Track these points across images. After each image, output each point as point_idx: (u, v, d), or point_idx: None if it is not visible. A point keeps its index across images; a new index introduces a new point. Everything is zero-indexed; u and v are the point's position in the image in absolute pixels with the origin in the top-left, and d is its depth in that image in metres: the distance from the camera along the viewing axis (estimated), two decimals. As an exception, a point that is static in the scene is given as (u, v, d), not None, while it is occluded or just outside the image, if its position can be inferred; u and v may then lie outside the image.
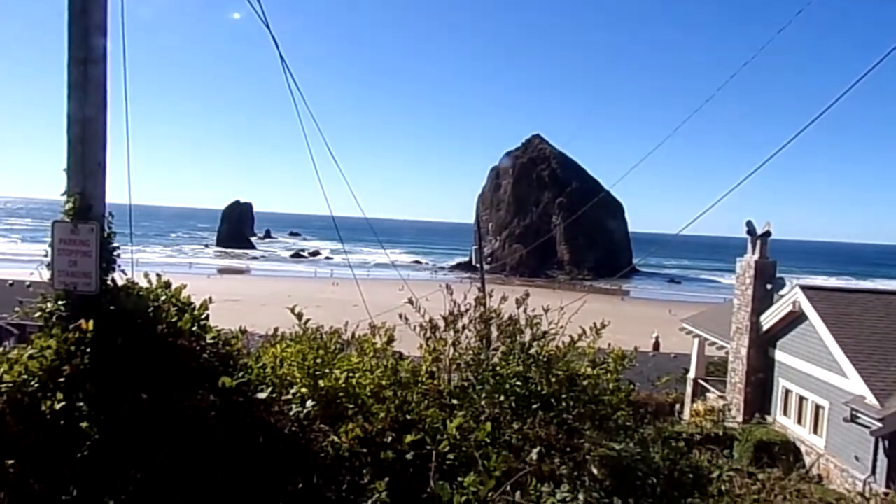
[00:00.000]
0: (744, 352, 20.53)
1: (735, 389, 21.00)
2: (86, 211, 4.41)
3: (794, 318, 18.77)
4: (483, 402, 5.13)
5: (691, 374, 25.57)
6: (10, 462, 3.51)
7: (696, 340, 25.42)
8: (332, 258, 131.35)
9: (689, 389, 25.53)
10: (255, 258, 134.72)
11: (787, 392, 19.21)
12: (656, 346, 43.36)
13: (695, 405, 24.28)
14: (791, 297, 18.69)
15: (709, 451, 5.90)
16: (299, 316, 5.42)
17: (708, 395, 24.18)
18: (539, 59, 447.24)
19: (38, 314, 4.35)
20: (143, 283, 4.66)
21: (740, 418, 19.91)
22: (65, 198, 4.43)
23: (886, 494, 13.80)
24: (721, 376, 23.98)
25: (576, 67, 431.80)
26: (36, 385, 3.77)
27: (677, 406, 25.65)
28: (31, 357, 3.87)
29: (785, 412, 19.27)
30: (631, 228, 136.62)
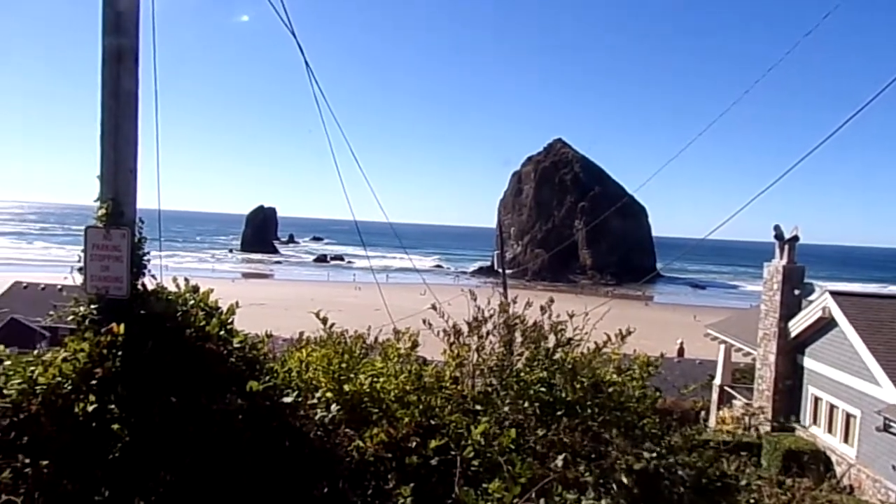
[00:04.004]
0: (771, 358, 20.16)
1: (762, 397, 20.62)
2: (117, 217, 4.50)
3: (824, 325, 18.38)
4: (507, 408, 5.12)
5: (717, 381, 25.17)
6: (45, 463, 3.58)
7: (722, 346, 25.03)
8: (353, 262, 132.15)
9: (714, 396, 25.14)
10: (278, 262, 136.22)
11: (817, 400, 18.80)
12: (681, 352, 42.75)
13: (721, 412, 23.89)
14: (820, 302, 18.32)
15: (736, 459, 5.79)
16: (324, 321, 5.46)
17: (734, 402, 23.77)
18: (563, 62, 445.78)
19: (71, 318, 4.44)
20: (172, 288, 4.74)
21: (768, 426, 19.54)
22: (97, 204, 4.52)
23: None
24: (748, 383, 23.57)
25: (599, 71, 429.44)
26: (69, 387, 3.84)
27: (702, 413, 25.26)
28: (64, 360, 3.95)
29: (815, 420, 18.86)
30: (654, 233, 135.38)
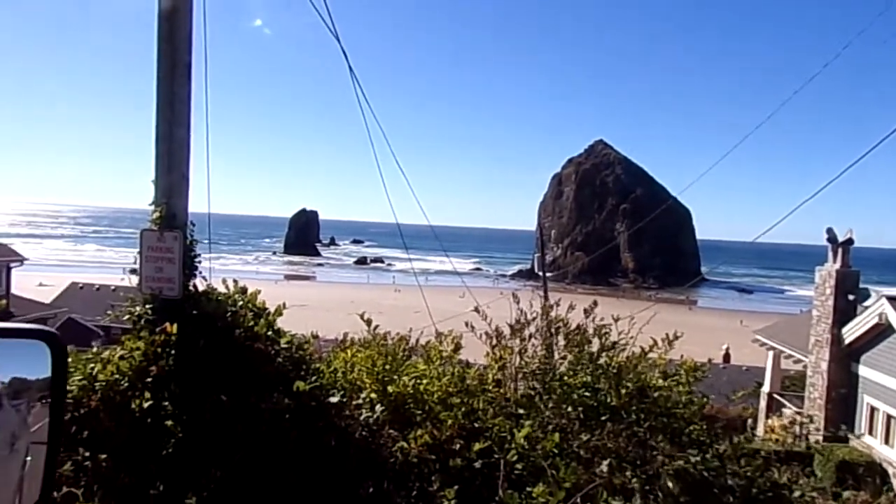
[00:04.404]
0: (824, 366, 19.44)
1: (814, 405, 19.90)
2: (171, 220, 4.66)
3: (881, 331, 17.64)
4: (550, 412, 5.08)
5: (765, 388, 24.41)
6: (103, 456, 3.73)
7: (771, 353, 24.26)
8: (393, 265, 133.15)
9: (762, 404, 24.38)
10: (319, 264, 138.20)
11: (873, 410, 18.05)
12: (727, 357, 41.66)
13: (769, 420, 23.16)
14: (877, 308, 17.59)
15: (788, 469, 5.61)
16: (368, 322, 5.52)
17: (784, 410, 23.01)
18: (605, 62, 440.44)
19: (127, 317, 4.62)
20: (221, 289, 4.88)
21: (819, 436, 18.85)
22: (152, 208, 4.69)
23: None
24: (798, 391, 22.80)
25: (643, 71, 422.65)
26: (126, 384, 4.00)
27: (749, 421, 24.53)
28: (121, 357, 4.11)
29: (870, 431, 18.10)
30: (699, 236, 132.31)
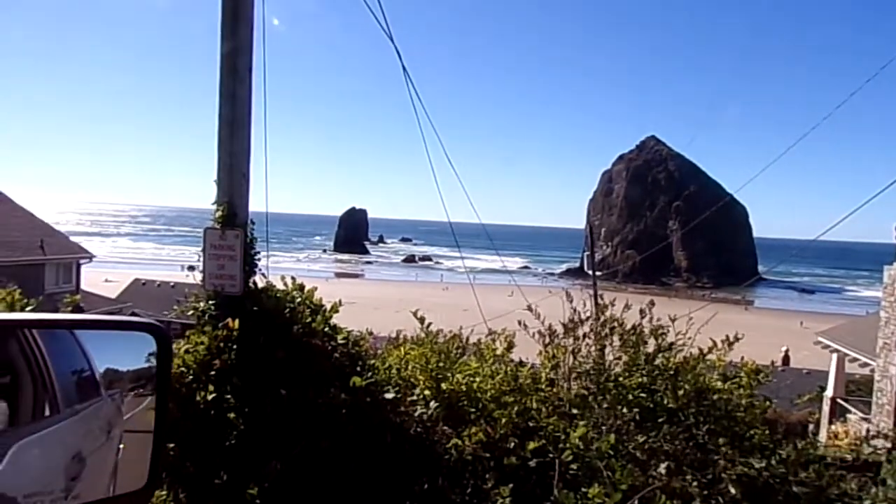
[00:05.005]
0: (893, 370, 18.51)
1: (882, 412, 18.97)
2: (232, 218, 4.81)
3: (956, 335, 16.67)
4: (604, 413, 5.00)
5: (828, 393, 23.42)
6: (171, 445, 3.88)
7: (835, 356, 23.25)
8: (441, 263, 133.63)
9: (825, 409, 23.40)
10: (368, 262, 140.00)
11: (947, 417, 17.09)
12: (786, 360, 40.16)
13: (833, 426, 22.20)
14: (951, 310, 16.62)
15: (856, 477, 5.37)
16: (421, 320, 5.56)
17: (849, 416, 22.02)
18: (657, 56, 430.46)
19: (192, 312, 4.79)
20: (280, 286, 5.00)
21: (888, 443, 17.96)
22: (214, 206, 4.85)
23: None
24: (864, 396, 21.77)
25: (697, 65, 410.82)
26: (191, 377, 4.15)
27: (811, 426, 23.57)
28: (186, 351, 4.27)
29: (944, 440, 17.14)
30: (756, 234, 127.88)
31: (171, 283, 37.56)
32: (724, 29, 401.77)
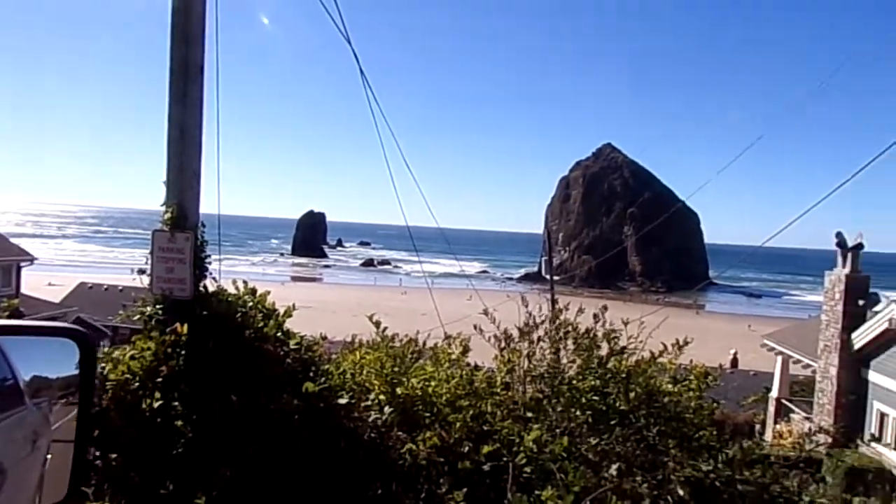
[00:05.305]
0: (833, 371, 19.31)
1: (823, 411, 19.76)
2: (182, 220, 4.68)
3: (891, 337, 17.50)
4: (558, 416, 5.06)
5: (773, 394, 24.29)
6: (114, 455, 3.75)
7: (780, 358, 24.13)
8: (400, 267, 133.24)
9: (770, 409, 24.25)
10: (326, 266, 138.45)
11: (883, 416, 17.91)
12: (734, 362, 41.47)
13: (777, 426, 23.03)
14: (887, 313, 17.45)
15: (797, 475, 5.57)
16: (377, 324, 5.52)
17: (792, 415, 22.87)
18: (613, 65, 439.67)
19: (138, 317, 4.64)
20: (231, 290, 4.89)
21: (828, 441, 18.72)
22: (163, 208, 4.71)
23: None
24: (806, 396, 22.66)
25: (652, 74, 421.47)
26: (137, 384, 4.01)
27: (757, 426, 24.38)
28: (132, 357, 4.13)
29: (880, 437, 17.95)
30: (707, 240, 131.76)
31: (120, 287, 36.31)
32: (680, 39, 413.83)
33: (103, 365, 4.04)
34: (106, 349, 4.46)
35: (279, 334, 4.65)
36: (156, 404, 3.93)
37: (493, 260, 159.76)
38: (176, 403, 4.05)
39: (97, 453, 3.73)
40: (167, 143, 4.67)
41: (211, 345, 4.30)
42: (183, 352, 4.24)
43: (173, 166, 4.68)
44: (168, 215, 4.66)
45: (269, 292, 4.94)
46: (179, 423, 3.97)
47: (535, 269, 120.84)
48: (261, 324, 4.61)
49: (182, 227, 4.67)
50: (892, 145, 9.18)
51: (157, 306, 4.58)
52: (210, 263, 4.91)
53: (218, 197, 5.82)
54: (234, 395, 4.09)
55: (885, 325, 17.51)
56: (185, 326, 4.24)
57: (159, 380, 4.08)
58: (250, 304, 4.76)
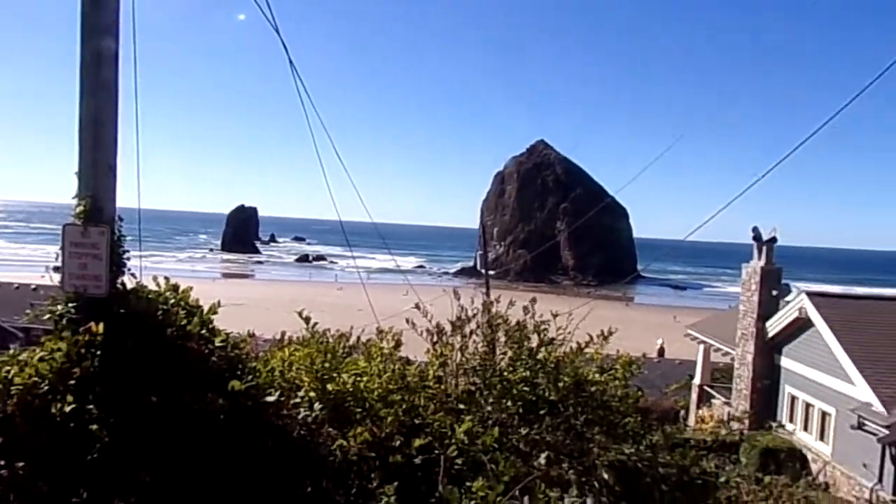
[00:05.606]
0: (749, 358, 20.46)
1: (741, 396, 20.92)
2: (96, 214, 4.42)
3: (801, 325, 18.70)
4: (490, 407, 5.13)
5: (696, 381, 25.50)
6: (20, 464, 3.52)
7: (702, 347, 25.36)
8: (335, 263, 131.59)
9: (693, 396, 25.46)
10: (259, 262, 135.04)
11: (794, 399, 19.13)
12: (661, 352, 43.23)
13: (700, 411, 24.20)
14: (797, 303, 18.63)
15: (716, 457, 5.87)
16: (307, 320, 5.43)
17: (713, 401, 24.09)
18: (545, 63, 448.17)
19: (48, 317, 4.36)
20: (152, 287, 4.68)
21: (746, 425, 19.84)
22: (75, 201, 4.44)
23: (894, 502, 13.70)
24: (726, 382, 23.92)
25: (581, 72, 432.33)
26: (46, 387, 3.77)
27: (682, 412, 25.56)
28: (41, 359, 3.88)
29: (791, 419, 19.17)
30: (635, 234, 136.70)
31: (32, 286, 34.23)
32: (616, 36, 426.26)
33: (8, 368, 3.78)
34: (11, 352, 4.17)
35: (204, 332, 4.48)
36: (68, 408, 3.70)
37: (429, 255, 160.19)
38: (91, 407, 3.83)
39: (1, 462, 3.49)
40: (78, 131, 4.40)
41: (129, 344, 4.09)
42: (98, 352, 4.02)
43: (85, 156, 4.41)
44: (80, 208, 4.39)
45: (191, 289, 4.75)
46: (94, 427, 3.76)
47: (472, 263, 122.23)
48: (184, 321, 4.42)
49: (96, 221, 4.41)
50: (795, 149, 9.74)
51: (70, 304, 4.32)
52: (129, 259, 4.67)
53: (138, 189, 5.56)
54: (154, 395, 3.92)
55: (796, 314, 18.69)
56: (101, 325, 4.02)
57: (72, 382, 3.85)
58: (172, 301, 4.55)
